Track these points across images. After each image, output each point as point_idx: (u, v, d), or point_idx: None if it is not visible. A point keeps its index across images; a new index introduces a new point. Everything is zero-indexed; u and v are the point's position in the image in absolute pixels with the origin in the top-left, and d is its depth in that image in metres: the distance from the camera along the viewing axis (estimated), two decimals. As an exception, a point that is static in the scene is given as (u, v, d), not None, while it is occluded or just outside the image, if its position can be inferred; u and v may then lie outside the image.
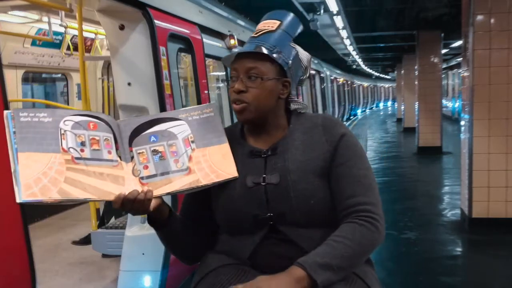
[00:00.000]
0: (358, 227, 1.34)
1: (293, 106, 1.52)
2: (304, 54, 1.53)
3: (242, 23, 5.94)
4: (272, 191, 1.40)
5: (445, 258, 4.49)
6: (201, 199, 1.51)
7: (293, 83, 1.49)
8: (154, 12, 3.18)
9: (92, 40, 5.57)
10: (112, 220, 4.13)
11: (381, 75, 40.75)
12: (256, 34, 1.47)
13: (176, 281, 3.37)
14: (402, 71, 19.57)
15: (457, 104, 20.84)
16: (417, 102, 11.61)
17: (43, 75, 7.19)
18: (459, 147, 5.80)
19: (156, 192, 1.34)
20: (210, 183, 1.37)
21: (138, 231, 3.25)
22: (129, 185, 1.32)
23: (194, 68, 3.92)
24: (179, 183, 1.36)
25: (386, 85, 51.05)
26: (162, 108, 3.10)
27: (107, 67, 6.38)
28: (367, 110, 36.62)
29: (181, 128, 1.42)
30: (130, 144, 1.37)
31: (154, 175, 1.35)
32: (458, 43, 12.78)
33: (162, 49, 3.20)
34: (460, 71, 8.32)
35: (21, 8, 4.05)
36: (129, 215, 3.30)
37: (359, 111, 30.32)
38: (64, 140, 1.27)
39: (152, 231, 3.31)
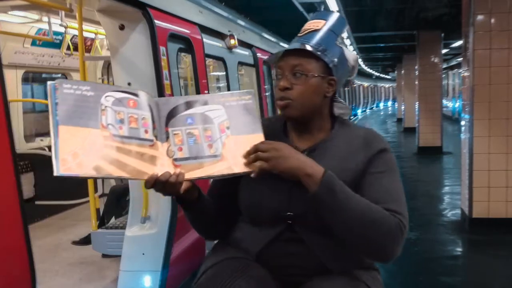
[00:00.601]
0: (388, 217, 1.31)
1: (336, 111, 1.52)
2: (350, 54, 1.53)
3: (242, 23, 5.94)
4: (297, 191, 1.38)
5: (445, 258, 4.49)
6: (231, 183, 1.51)
7: (339, 82, 1.49)
8: (154, 12, 3.18)
9: (92, 40, 5.57)
10: (112, 220, 4.13)
11: (381, 75, 40.72)
12: (301, 33, 1.48)
13: (176, 281, 3.36)
14: (402, 71, 19.57)
15: (457, 104, 20.84)
16: (417, 102, 11.61)
17: (43, 75, 7.18)
18: (460, 147, 5.80)
19: (188, 176, 1.33)
20: (241, 172, 1.35)
21: (138, 231, 3.25)
22: (162, 166, 1.32)
23: (194, 68, 3.92)
24: (211, 168, 1.35)
25: (387, 85, 51.01)
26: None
27: (107, 67, 6.37)
28: (367, 110, 36.61)
29: (217, 112, 1.39)
30: (167, 124, 1.36)
31: (187, 158, 1.35)
32: (458, 43, 12.77)
33: (162, 49, 3.20)
34: (460, 71, 8.32)
35: (21, 8, 4.05)
36: (129, 215, 3.31)
37: (359, 111, 30.32)
38: (104, 116, 1.26)
39: (152, 231, 3.34)
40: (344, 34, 11.60)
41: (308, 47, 1.42)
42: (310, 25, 1.49)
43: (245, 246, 1.47)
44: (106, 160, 1.23)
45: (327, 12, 1.54)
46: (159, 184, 1.29)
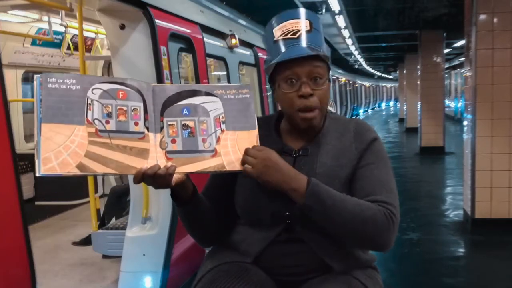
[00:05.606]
0: (377, 211, 1.32)
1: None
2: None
3: (243, 22, 5.93)
4: None
5: (447, 259, 4.47)
6: (226, 184, 1.49)
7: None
8: (155, 11, 3.17)
9: (93, 39, 5.55)
10: (113, 220, 4.12)
11: (383, 75, 40.71)
12: (295, 35, 1.43)
13: (177, 282, 3.35)
14: (405, 71, 19.56)
15: (459, 104, 20.82)
16: (419, 102, 11.59)
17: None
18: (462, 147, 5.78)
19: (179, 169, 1.29)
20: (234, 170, 1.33)
21: (138, 231, 3.24)
22: (153, 159, 1.28)
23: (195, 67, 3.90)
24: (204, 164, 1.31)
25: (388, 85, 50.99)
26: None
27: (108, 67, 6.37)
28: (369, 110, 36.59)
29: (214, 105, 1.36)
30: (162, 114, 1.32)
31: (180, 151, 1.31)
32: (461, 42, 12.76)
33: (163, 48, 3.19)
34: (462, 70, 8.30)
35: (21, 7, 4.04)
36: (130, 215, 3.30)
37: (361, 111, 30.29)
38: (90, 111, 1.22)
39: (152, 231, 3.32)
40: (346, 33, 11.59)
41: (315, 52, 1.38)
42: (296, 25, 1.44)
43: (244, 248, 1.45)
44: (90, 157, 1.20)
45: (298, 10, 1.48)
46: (148, 178, 1.25)
